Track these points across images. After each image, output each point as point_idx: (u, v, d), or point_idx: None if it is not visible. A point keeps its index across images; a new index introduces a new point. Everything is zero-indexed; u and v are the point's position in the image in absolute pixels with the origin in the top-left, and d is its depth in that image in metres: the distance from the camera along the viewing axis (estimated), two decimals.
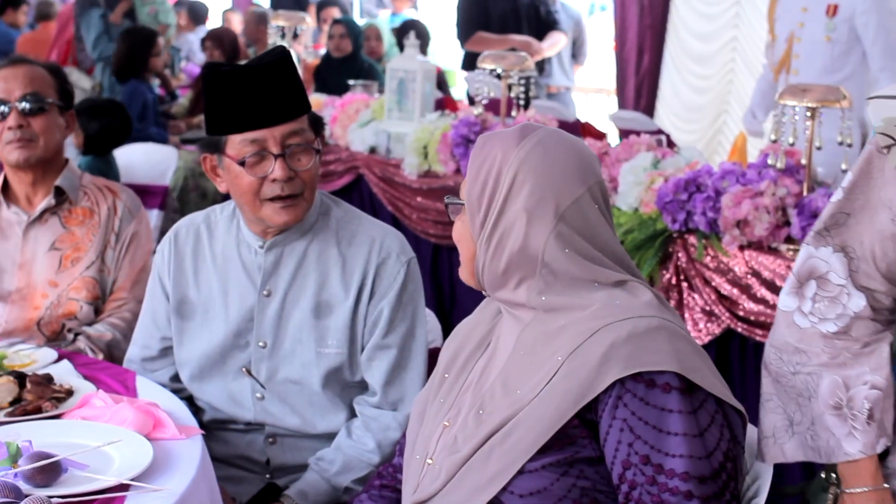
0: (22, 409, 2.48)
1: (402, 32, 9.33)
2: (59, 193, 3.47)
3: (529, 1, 7.75)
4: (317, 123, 2.75)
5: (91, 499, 2.11)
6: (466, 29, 7.67)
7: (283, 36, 7.30)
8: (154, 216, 5.34)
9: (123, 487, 2.15)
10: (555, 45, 7.82)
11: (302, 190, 2.69)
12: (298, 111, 2.68)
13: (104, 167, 5.67)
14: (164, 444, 2.34)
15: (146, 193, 5.40)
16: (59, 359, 2.85)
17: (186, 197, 7.71)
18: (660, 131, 6.37)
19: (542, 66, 7.73)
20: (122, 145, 6.48)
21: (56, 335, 3.36)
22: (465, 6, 7.77)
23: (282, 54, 2.72)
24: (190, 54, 11.18)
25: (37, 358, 2.84)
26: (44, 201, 3.47)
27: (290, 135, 2.66)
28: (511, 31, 7.55)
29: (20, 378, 2.57)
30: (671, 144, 5.22)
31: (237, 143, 2.66)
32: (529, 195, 2.05)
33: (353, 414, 2.83)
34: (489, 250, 2.07)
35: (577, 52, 8.76)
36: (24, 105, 3.39)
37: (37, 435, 2.27)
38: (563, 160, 2.08)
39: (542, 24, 7.76)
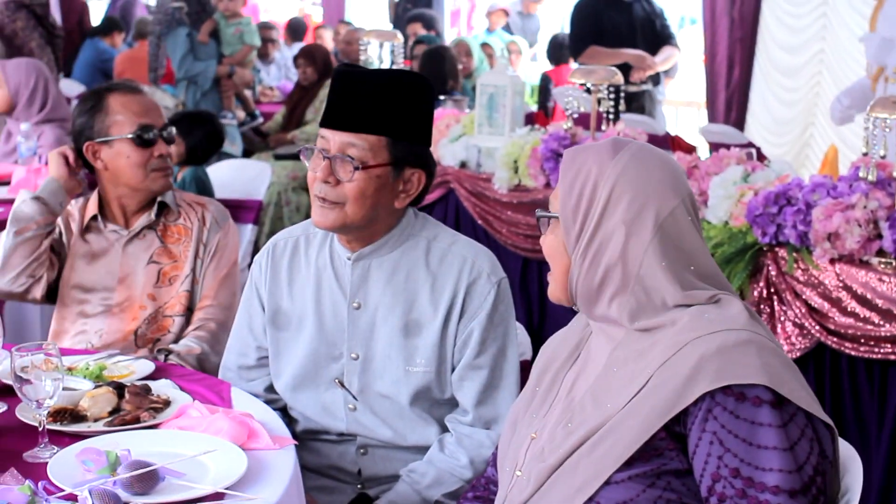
0: (121, 419, 2.54)
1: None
2: (161, 209, 3.57)
3: (644, 14, 7.73)
4: (402, 156, 2.72)
5: None
6: (580, 43, 7.67)
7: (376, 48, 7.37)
8: (248, 231, 5.40)
9: (218, 496, 2.19)
10: (668, 59, 7.79)
11: (343, 201, 2.69)
12: (369, 128, 2.67)
13: (205, 176, 5.78)
14: (258, 453, 2.38)
15: (240, 208, 5.46)
16: (156, 370, 2.91)
17: (280, 212, 7.82)
18: (750, 144, 6.33)
19: (656, 78, 7.73)
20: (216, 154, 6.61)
21: (150, 350, 3.43)
22: (578, 20, 7.77)
23: (414, 78, 2.75)
24: (287, 70, 11.30)
25: (134, 369, 2.90)
26: (143, 217, 3.56)
27: (349, 145, 2.67)
28: (625, 45, 7.53)
29: (119, 389, 2.63)
30: (761, 158, 5.19)
31: (320, 133, 2.74)
32: (627, 207, 2.07)
33: (443, 428, 2.85)
34: (584, 263, 2.09)
35: None
36: (169, 131, 3.55)
37: (135, 444, 2.32)
38: (657, 173, 2.10)
39: (657, 38, 7.73)
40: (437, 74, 8.36)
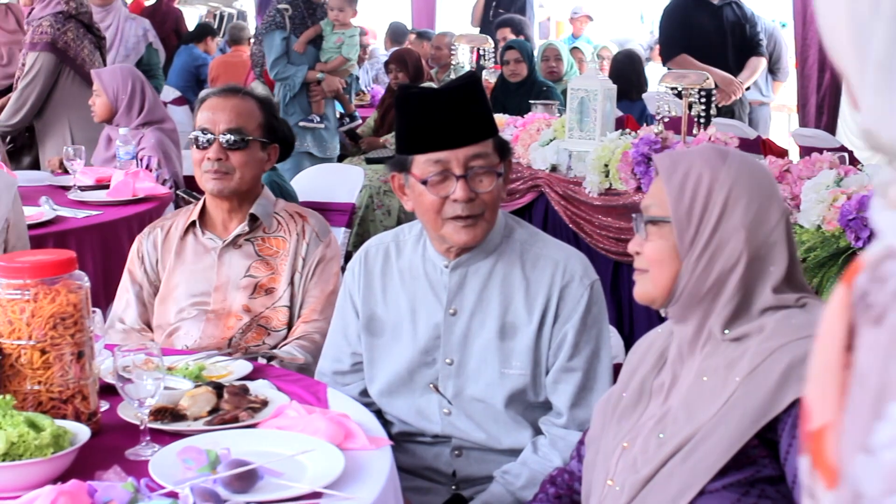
0: (220, 418, 2.59)
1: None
2: (253, 220, 3.59)
3: (735, 18, 7.68)
4: (503, 148, 2.80)
5: None
6: (669, 49, 7.66)
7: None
8: (340, 234, 5.46)
9: (316, 495, 2.22)
10: (754, 72, 7.75)
11: (483, 211, 2.75)
12: (483, 135, 2.74)
13: (280, 179, 5.84)
14: (355, 454, 2.41)
15: (333, 212, 5.53)
16: (254, 371, 2.95)
17: (371, 215, 7.87)
18: (842, 148, 6.27)
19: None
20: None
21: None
22: (667, 26, 7.75)
23: (471, 79, 2.80)
24: (380, 74, 11.36)
25: (232, 370, 2.95)
26: (238, 227, 3.59)
27: (474, 157, 2.72)
28: (714, 50, 7.48)
29: (218, 389, 2.68)
30: (853, 162, 5.14)
31: (422, 163, 2.74)
32: (745, 213, 2.07)
33: (537, 431, 2.87)
34: (698, 267, 2.09)
35: (773, 66, 8.65)
36: (227, 138, 3.52)
37: (234, 443, 2.36)
38: (765, 179, 2.11)
39: (746, 44, 7.68)
40: (628, 78, 8.46)
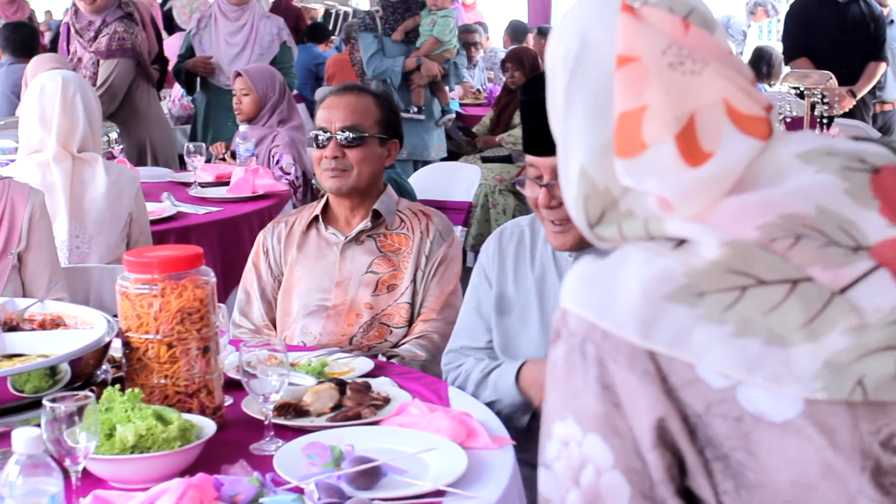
0: (343, 414, 2.59)
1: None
2: (376, 216, 3.59)
3: (861, 16, 7.55)
4: None
5: (409, 503, 2.19)
6: (792, 51, 7.56)
7: None
8: (457, 233, 5.45)
9: (439, 494, 2.21)
10: (871, 79, 7.60)
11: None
12: None
13: (398, 177, 5.85)
14: (477, 453, 2.39)
15: (449, 210, 5.52)
16: (375, 368, 2.96)
17: (487, 214, 7.86)
18: None
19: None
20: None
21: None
22: (790, 27, 7.65)
23: None
24: (497, 72, 11.34)
25: (354, 366, 2.95)
26: (361, 223, 3.58)
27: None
28: (834, 50, 7.36)
29: (341, 385, 2.68)
30: None
31: (528, 161, 2.77)
32: None
33: None
34: None
35: None
36: (343, 135, 3.52)
37: (357, 440, 2.36)
38: None
39: (869, 43, 7.54)
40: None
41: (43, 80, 4.25)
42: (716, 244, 1.32)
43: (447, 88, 8.32)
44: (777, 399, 1.28)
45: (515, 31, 12.53)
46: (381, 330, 3.51)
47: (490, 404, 2.81)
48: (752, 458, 1.30)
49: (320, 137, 3.56)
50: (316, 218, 3.64)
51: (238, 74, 6.37)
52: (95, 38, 7.05)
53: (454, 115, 8.50)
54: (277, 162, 5.94)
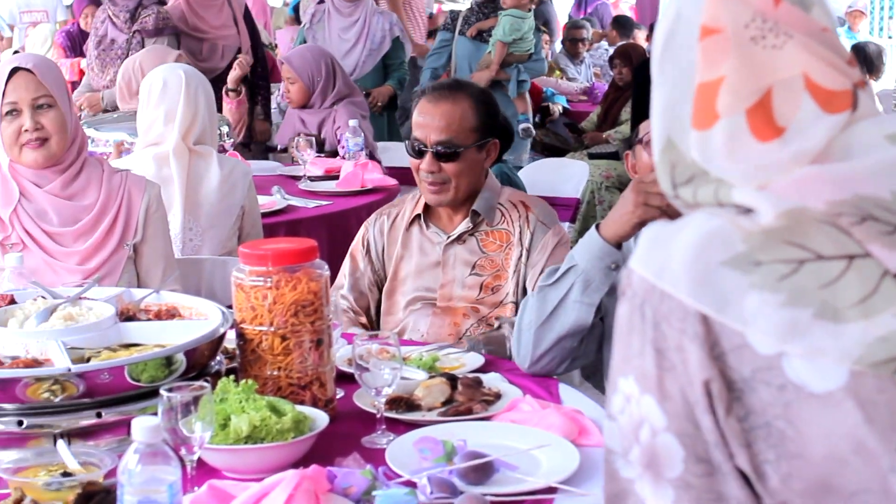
0: (454, 409, 2.59)
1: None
2: (476, 215, 3.55)
3: None
4: None
5: (520, 499, 2.18)
6: None
7: None
8: (565, 229, 5.43)
9: (551, 490, 2.20)
10: None
11: None
12: None
13: (511, 171, 5.85)
14: (589, 450, 2.38)
15: (557, 206, 5.50)
16: (486, 364, 2.95)
17: (593, 210, 7.83)
18: None
19: None
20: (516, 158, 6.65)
21: None
22: None
23: None
24: (604, 69, 11.28)
25: (465, 362, 2.95)
26: (462, 223, 3.55)
27: None
28: None
29: (452, 380, 2.68)
30: None
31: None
32: None
33: None
34: None
35: None
36: (438, 150, 3.46)
37: (469, 435, 2.36)
38: None
39: None
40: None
41: (164, 74, 4.30)
42: (773, 213, 1.34)
43: (522, 94, 8.21)
44: (821, 370, 1.29)
45: (623, 27, 12.43)
46: (486, 329, 3.48)
47: (563, 296, 2.82)
48: (792, 428, 1.31)
49: (416, 147, 3.52)
50: (418, 215, 3.62)
51: (281, 63, 6.43)
52: (133, 18, 7.18)
53: (530, 125, 8.39)
54: (339, 140, 5.97)
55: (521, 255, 3.52)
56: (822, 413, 1.30)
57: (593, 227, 2.85)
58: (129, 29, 7.18)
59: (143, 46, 7.00)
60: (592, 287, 2.81)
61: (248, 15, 7.65)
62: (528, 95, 8.40)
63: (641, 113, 2.86)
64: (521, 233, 3.53)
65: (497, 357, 3.15)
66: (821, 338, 1.29)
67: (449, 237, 3.56)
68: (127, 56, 7.01)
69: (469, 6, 8.19)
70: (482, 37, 8.04)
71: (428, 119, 3.52)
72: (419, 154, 3.52)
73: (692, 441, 1.35)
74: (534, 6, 8.24)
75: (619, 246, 2.80)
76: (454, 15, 8.25)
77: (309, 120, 6.31)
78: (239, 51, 7.33)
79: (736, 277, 1.32)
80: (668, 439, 1.37)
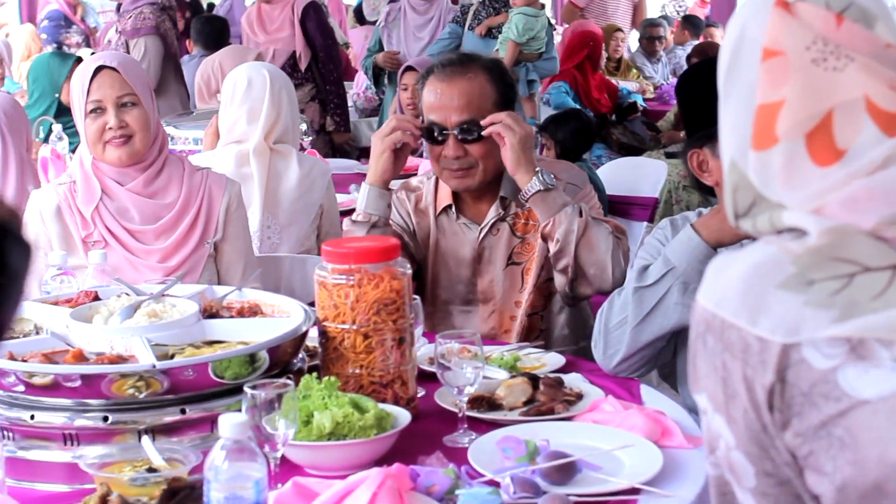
0: (536, 409, 2.58)
1: None
2: (505, 200, 3.42)
3: None
4: None
5: (604, 500, 2.16)
6: None
7: None
8: (642, 229, 5.39)
9: (634, 491, 2.19)
10: None
11: None
12: None
13: (589, 170, 5.83)
14: (672, 451, 2.36)
15: (635, 206, 5.47)
16: (567, 364, 2.94)
17: (670, 210, 7.76)
18: None
19: None
20: (594, 155, 6.62)
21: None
22: None
23: None
24: (678, 68, 11.20)
25: (545, 361, 2.94)
26: (491, 212, 3.43)
27: None
28: None
29: (534, 380, 2.67)
30: None
31: None
32: None
33: None
34: None
35: None
36: (463, 133, 3.30)
37: (551, 435, 2.35)
38: None
39: None
40: None
41: (249, 73, 4.33)
42: (816, 231, 1.35)
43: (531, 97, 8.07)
44: (874, 379, 1.30)
45: (695, 27, 12.33)
46: (532, 322, 3.43)
47: (654, 287, 2.80)
48: (849, 435, 1.32)
49: (435, 132, 3.33)
50: (448, 206, 3.47)
51: (410, 69, 6.41)
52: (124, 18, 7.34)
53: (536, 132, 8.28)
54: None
55: None
56: (875, 419, 1.30)
57: (689, 227, 2.80)
58: (121, 29, 7.36)
59: (125, 47, 7.14)
60: (692, 289, 2.74)
61: (317, 18, 7.67)
62: (538, 98, 8.32)
63: (691, 124, 2.82)
64: None
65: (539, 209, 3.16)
66: (874, 346, 1.30)
67: (481, 231, 3.43)
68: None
69: (480, 0, 8.12)
70: (491, 33, 7.94)
71: (445, 100, 3.31)
72: (439, 139, 3.32)
73: (759, 460, 1.39)
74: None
75: (716, 248, 2.75)
76: (464, 8, 8.20)
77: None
78: (293, 55, 7.39)
79: (790, 298, 1.34)
80: (738, 456, 1.40)
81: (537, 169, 3.20)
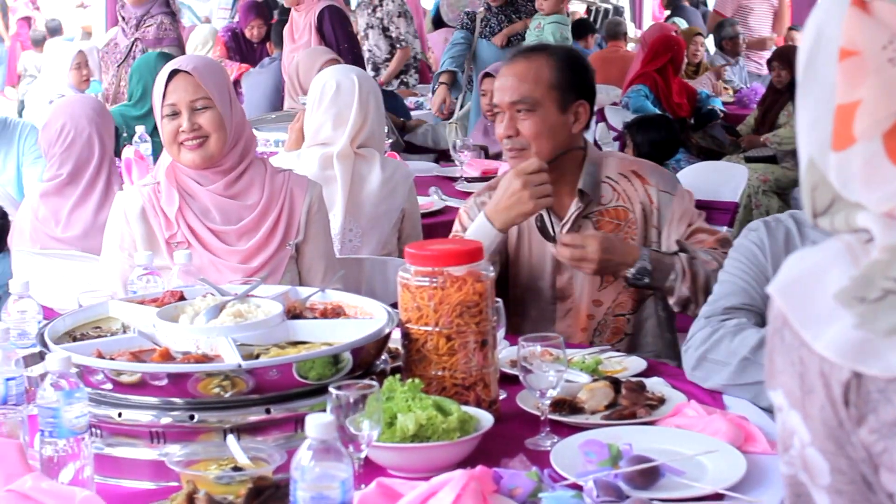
0: (618, 413, 2.58)
1: None
2: (584, 194, 3.39)
3: None
4: None
5: None
6: None
7: None
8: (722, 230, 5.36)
9: (718, 497, 2.18)
10: None
11: None
12: None
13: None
14: (755, 457, 2.35)
15: (714, 209, 5.43)
16: (648, 368, 2.93)
17: (749, 215, 7.71)
18: None
19: None
20: (671, 159, 6.58)
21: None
22: None
23: None
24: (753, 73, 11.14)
25: (627, 365, 2.93)
26: (572, 206, 3.40)
27: None
28: None
29: (616, 384, 2.67)
30: None
31: None
32: None
33: None
34: None
35: None
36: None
37: (634, 439, 2.34)
38: None
39: None
40: None
41: (337, 77, 4.36)
42: (881, 245, 1.34)
43: None
44: None
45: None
46: (617, 323, 3.40)
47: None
48: None
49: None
50: None
51: (486, 75, 6.41)
52: (138, 26, 7.34)
53: None
54: None
55: (648, 237, 3.36)
56: None
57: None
58: (132, 35, 7.40)
59: (143, 53, 7.23)
60: None
61: (333, 22, 7.70)
62: None
63: None
64: (643, 213, 3.36)
65: (649, 286, 3.14)
66: None
67: (563, 225, 3.39)
68: (125, 60, 7.29)
69: (485, 5, 8.08)
70: (510, 42, 7.95)
71: (501, 81, 3.36)
72: (497, 120, 3.37)
73: (834, 457, 1.37)
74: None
75: None
76: (471, 14, 8.18)
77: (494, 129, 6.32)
78: None
79: (842, 312, 1.32)
80: (814, 453, 1.39)
81: (638, 264, 3.22)
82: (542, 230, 3.40)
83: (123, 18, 7.62)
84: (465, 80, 8.03)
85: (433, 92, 8.12)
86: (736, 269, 2.88)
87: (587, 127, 3.44)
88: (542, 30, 7.80)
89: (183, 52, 7.50)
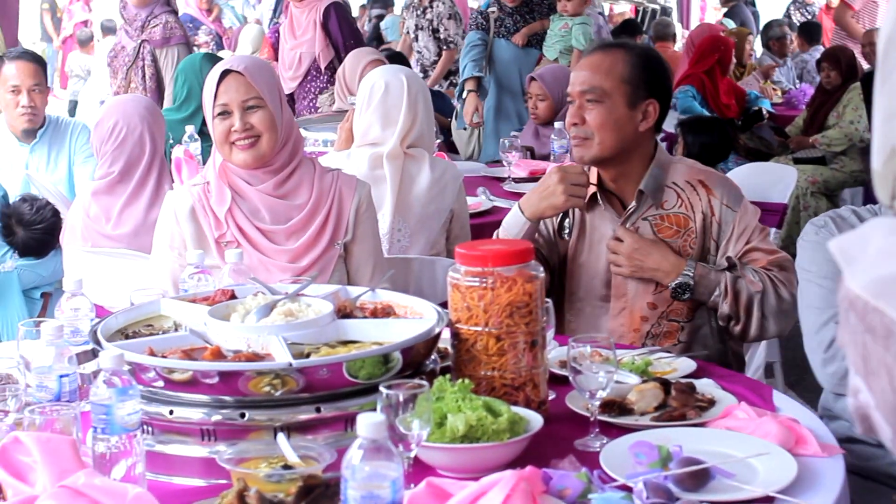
0: (668, 414, 2.57)
1: None
2: (642, 194, 3.37)
3: None
4: None
5: None
6: None
7: None
8: (770, 236, 5.33)
9: (768, 500, 2.17)
10: None
11: None
12: None
13: None
14: (806, 460, 2.34)
15: (763, 212, 5.39)
16: (698, 369, 2.91)
17: (797, 216, 7.67)
18: None
19: None
20: (722, 163, 6.55)
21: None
22: None
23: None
24: (805, 73, 11.07)
25: (676, 367, 2.92)
26: (631, 203, 3.39)
27: None
28: None
29: (665, 385, 2.66)
30: None
31: None
32: None
33: None
34: None
35: None
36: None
37: (684, 441, 2.33)
38: None
39: None
40: None
41: (386, 77, 4.37)
42: None
43: None
44: None
45: (810, 34, 12.15)
46: (670, 328, 3.38)
47: None
48: None
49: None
50: (594, 193, 3.42)
51: (532, 79, 6.41)
52: (143, 28, 7.37)
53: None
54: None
55: (706, 248, 3.35)
56: None
57: None
58: (138, 37, 7.43)
59: (152, 55, 7.25)
60: None
61: (338, 19, 7.71)
62: None
63: None
64: (704, 223, 3.34)
65: (692, 300, 3.18)
66: None
67: (621, 220, 3.39)
68: (133, 63, 7.32)
69: (498, 5, 8.05)
70: (529, 42, 7.93)
71: (577, 71, 3.41)
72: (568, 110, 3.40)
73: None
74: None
75: None
76: (484, 14, 8.15)
77: (563, 132, 6.30)
78: (316, 59, 7.51)
79: None
80: (877, 416, 1.35)
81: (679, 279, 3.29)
82: (560, 225, 3.46)
83: (126, 20, 7.67)
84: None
85: (459, 98, 8.09)
86: (822, 283, 2.89)
87: (658, 129, 3.44)
88: (569, 30, 7.80)
89: (190, 51, 7.53)
